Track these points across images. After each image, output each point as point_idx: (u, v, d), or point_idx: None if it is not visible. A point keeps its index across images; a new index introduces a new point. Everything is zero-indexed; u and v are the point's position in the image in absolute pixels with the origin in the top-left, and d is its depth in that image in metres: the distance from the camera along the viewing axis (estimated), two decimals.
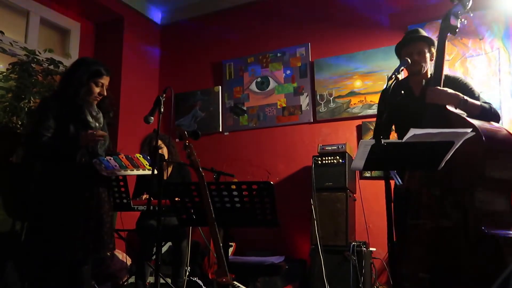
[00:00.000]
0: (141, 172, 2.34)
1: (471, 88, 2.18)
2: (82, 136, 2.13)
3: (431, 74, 2.26)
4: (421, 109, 2.07)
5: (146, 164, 2.37)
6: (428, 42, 2.26)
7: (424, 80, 2.25)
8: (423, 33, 2.32)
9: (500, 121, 3.31)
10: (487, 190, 1.83)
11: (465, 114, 1.98)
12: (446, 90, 2.03)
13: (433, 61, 2.20)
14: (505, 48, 3.46)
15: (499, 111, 3.29)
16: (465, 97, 2.00)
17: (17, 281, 2.64)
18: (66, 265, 2.16)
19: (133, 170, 2.30)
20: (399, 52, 2.34)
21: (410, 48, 2.24)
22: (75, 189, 2.14)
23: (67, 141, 2.13)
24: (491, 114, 2.04)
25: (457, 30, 2.10)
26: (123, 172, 2.29)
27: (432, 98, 2.03)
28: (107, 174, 2.21)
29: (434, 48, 2.24)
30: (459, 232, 1.78)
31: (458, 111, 1.98)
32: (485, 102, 2.11)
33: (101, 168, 2.17)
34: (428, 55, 2.25)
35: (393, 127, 2.43)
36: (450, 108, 1.99)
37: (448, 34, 2.14)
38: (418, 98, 2.22)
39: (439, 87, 2.05)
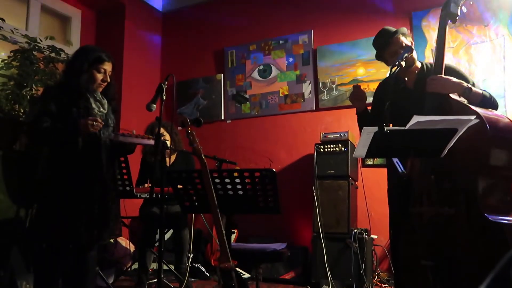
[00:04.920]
0: (145, 141, 2.34)
1: (466, 77, 2.12)
2: (81, 124, 2.11)
3: (421, 63, 2.24)
4: (416, 101, 2.02)
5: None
6: (400, 32, 2.23)
7: (416, 72, 2.22)
8: (390, 28, 2.29)
9: (505, 109, 3.32)
10: (491, 178, 1.82)
11: (466, 101, 1.95)
12: (451, 79, 1.98)
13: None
14: (510, 35, 3.42)
15: (503, 99, 3.32)
16: (469, 86, 1.96)
17: (23, 266, 2.68)
18: (72, 250, 2.18)
19: (138, 138, 2.31)
20: (383, 58, 2.32)
21: (391, 47, 2.22)
22: (78, 175, 2.15)
23: (68, 127, 2.13)
24: (490, 103, 2.00)
25: (457, 18, 2.06)
26: (128, 139, 2.29)
27: (435, 87, 1.97)
28: (113, 138, 2.25)
29: (408, 35, 2.24)
30: (462, 220, 1.79)
31: (460, 98, 1.96)
32: (484, 90, 2.06)
33: (105, 135, 2.23)
34: (409, 42, 2.22)
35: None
36: (453, 96, 1.96)
37: (449, 22, 2.09)
38: (412, 91, 2.18)
39: (443, 76, 2.00)
